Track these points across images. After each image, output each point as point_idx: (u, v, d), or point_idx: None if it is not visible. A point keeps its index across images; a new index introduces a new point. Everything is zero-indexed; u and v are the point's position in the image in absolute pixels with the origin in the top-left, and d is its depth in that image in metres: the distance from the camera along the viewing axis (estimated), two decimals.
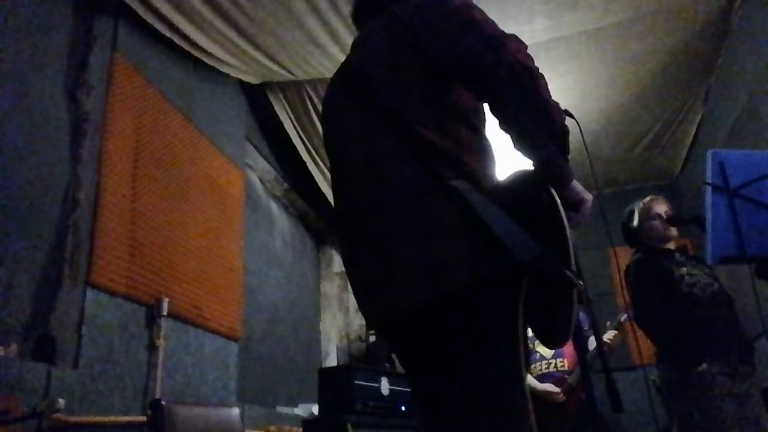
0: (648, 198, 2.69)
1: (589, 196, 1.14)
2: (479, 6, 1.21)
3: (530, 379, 3.23)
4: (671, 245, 2.59)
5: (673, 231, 2.58)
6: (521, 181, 1.14)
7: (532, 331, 1.17)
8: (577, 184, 1.12)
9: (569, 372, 3.33)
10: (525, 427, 1.04)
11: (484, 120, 1.25)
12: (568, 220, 1.06)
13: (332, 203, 4.98)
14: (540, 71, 1.11)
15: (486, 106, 1.21)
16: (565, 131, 1.11)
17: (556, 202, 1.05)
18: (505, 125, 1.11)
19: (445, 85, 1.19)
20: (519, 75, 1.07)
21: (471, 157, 1.14)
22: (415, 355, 1.16)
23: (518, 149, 1.12)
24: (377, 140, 1.17)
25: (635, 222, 2.64)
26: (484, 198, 1.06)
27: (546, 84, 1.11)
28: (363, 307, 1.21)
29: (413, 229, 1.08)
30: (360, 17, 1.44)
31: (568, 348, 3.21)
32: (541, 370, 3.41)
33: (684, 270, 2.46)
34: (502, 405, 1.04)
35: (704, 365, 2.24)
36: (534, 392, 3.11)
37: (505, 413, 1.04)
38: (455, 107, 1.18)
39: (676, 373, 2.34)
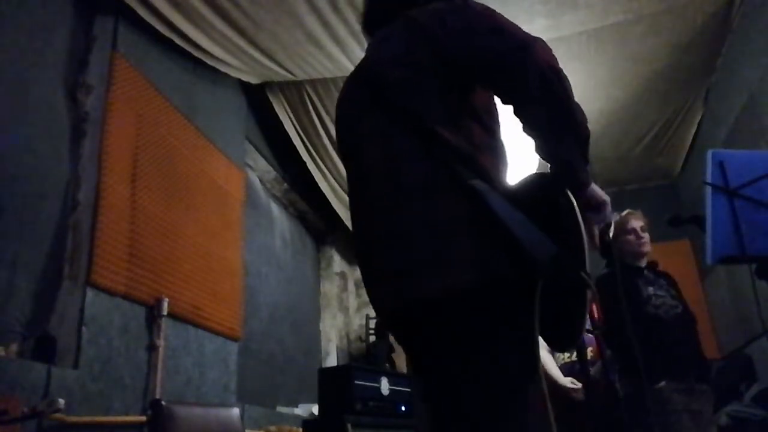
0: (625, 212, 2.75)
1: (607, 198, 1.15)
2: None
3: (555, 371, 3.09)
4: (643, 262, 2.67)
5: (647, 247, 2.65)
6: (537, 183, 1.15)
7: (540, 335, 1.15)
8: (595, 187, 1.13)
9: (594, 362, 3.00)
10: (539, 427, 1.04)
11: (497, 121, 1.25)
12: (587, 219, 1.07)
13: (332, 203, 4.97)
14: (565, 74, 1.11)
15: (501, 106, 1.21)
16: (587, 134, 1.12)
17: (573, 205, 1.06)
18: (529, 127, 1.12)
19: (460, 85, 1.18)
20: (548, 77, 1.06)
21: (484, 156, 1.14)
22: (426, 352, 1.15)
23: (540, 151, 1.12)
24: (392, 139, 1.18)
25: (610, 234, 2.64)
26: (502, 198, 1.06)
27: (571, 87, 1.11)
28: (376, 301, 1.21)
29: (428, 226, 1.08)
30: (372, 24, 1.43)
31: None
32: (563, 359, 3.21)
33: (651, 290, 2.57)
34: (514, 405, 1.05)
35: (663, 383, 2.39)
36: (555, 386, 2.99)
37: (516, 414, 1.04)
38: (469, 107, 1.18)
39: (637, 388, 2.45)
